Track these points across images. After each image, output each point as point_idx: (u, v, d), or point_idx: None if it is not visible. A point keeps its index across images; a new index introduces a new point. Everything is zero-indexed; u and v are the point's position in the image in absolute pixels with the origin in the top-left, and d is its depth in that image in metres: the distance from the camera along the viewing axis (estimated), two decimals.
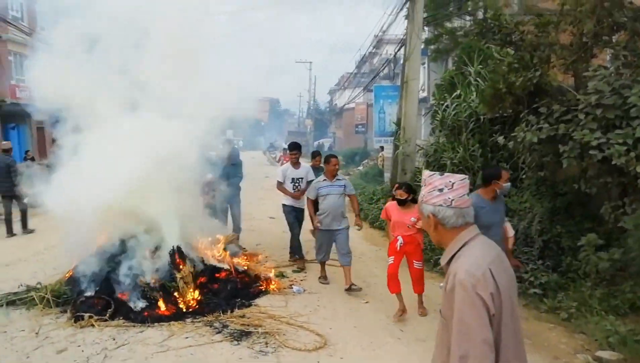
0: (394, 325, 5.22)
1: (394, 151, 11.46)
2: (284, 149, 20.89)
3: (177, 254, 5.64)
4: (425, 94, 20.96)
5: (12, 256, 8.01)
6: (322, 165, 7.63)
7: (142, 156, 5.49)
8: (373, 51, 25.71)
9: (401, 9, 12.19)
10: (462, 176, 1.97)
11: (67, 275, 5.88)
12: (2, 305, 5.54)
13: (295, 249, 7.58)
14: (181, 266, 5.56)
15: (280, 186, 7.56)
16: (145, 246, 5.76)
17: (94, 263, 5.70)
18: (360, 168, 22.89)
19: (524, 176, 7.01)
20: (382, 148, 19.26)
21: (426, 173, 2.01)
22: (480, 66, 9.23)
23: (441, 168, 9.84)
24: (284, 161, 16.12)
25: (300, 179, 7.50)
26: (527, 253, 6.68)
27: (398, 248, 5.35)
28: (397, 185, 5.71)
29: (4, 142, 10.76)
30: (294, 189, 7.45)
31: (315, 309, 5.60)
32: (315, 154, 8.84)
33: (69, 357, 4.37)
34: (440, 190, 1.92)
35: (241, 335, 4.79)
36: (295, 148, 7.66)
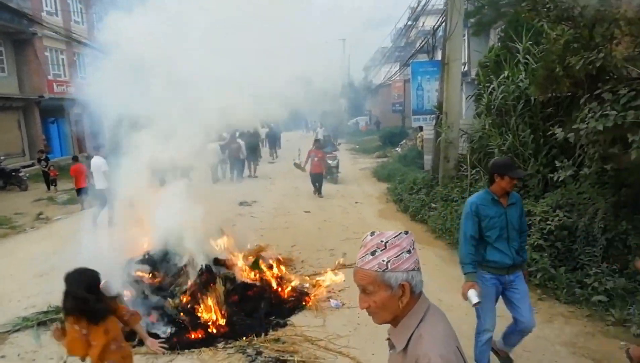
0: None
1: (436, 137, 10.75)
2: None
3: (207, 273, 5.34)
4: (466, 68, 19.78)
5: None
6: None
7: None
8: (410, 23, 24.45)
9: None
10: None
11: None
12: (32, 327, 5.43)
13: None
14: (212, 286, 5.25)
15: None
16: (173, 265, 5.50)
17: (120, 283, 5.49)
18: (398, 149, 21.86)
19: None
20: (421, 128, 18.38)
21: (373, 236, 1.64)
22: (530, 42, 8.37)
23: (488, 156, 9.13)
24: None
25: None
26: (589, 254, 6.04)
27: None
28: None
29: None
30: None
31: (356, 328, 5.17)
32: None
33: None
34: (409, 252, 1.62)
35: None
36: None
